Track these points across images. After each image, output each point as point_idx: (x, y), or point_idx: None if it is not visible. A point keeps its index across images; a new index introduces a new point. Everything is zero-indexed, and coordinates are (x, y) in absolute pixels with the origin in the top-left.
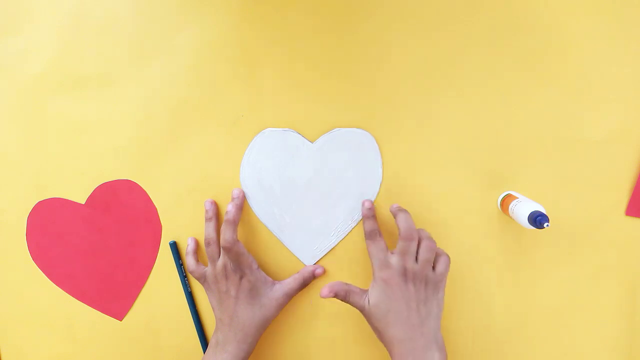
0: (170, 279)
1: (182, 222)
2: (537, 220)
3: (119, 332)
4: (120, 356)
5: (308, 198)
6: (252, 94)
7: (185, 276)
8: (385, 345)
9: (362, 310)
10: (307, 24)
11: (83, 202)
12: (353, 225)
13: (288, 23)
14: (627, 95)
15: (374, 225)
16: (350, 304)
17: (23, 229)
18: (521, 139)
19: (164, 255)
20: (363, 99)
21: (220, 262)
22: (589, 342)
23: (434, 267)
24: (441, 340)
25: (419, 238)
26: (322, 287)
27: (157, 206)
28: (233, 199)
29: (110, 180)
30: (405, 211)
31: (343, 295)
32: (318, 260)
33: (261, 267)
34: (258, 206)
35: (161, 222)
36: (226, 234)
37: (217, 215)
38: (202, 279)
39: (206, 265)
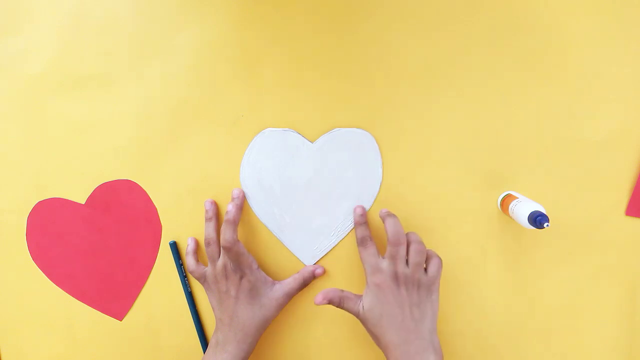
0: (170, 279)
1: (182, 222)
2: (537, 220)
3: (119, 332)
4: (120, 356)
5: (308, 198)
6: (252, 94)
7: (185, 276)
8: (382, 350)
9: (357, 315)
10: (307, 24)
11: (83, 202)
12: (353, 225)
13: (288, 23)
14: (627, 95)
15: (365, 231)
16: (345, 309)
17: (23, 229)
18: (521, 139)
19: (164, 255)
20: (363, 99)
21: (220, 262)
22: (589, 342)
23: (426, 270)
24: (437, 343)
25: (408, 242)
26: (316, 294)
27: (157, 206)
28: (233, 199)
29: (110, 180)
30: (393, 216)
31: (337, 301)
32: (318, 260)
33: (261, 267)
34: (258, 206)
35: (161, 222)
36: (226, 234)
37: (217, 215)
38: (202, 279)
39: (206, 265)
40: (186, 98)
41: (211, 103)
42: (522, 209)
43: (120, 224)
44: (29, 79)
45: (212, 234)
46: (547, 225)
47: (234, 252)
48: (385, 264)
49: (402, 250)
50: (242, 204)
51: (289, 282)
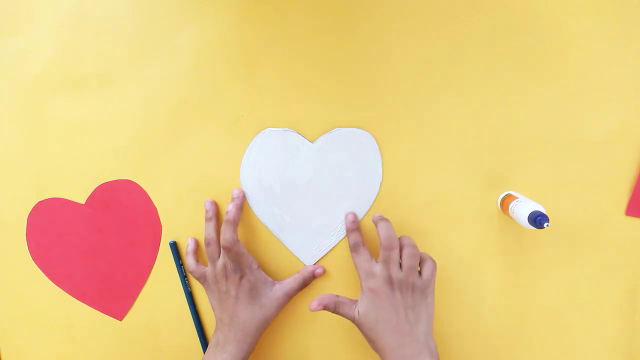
0: (170, 279)
1: (182, 222)
2: (537, 220)
3: (119, 332)
4: (120, 356)
5: (308, 198)
6: (252, 94)
7: (185, 276)
8: (378, 353)
9: (352, 320)
10: (307, 24)
11: (83, 202)
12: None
13: (288, 23)
14: (627, 95)
15: (357, 237)
16: (340, 315)
17: (23, 229)
18: (521, 139)
19: (164, 255)
20: (363, 99)
21: (220, 262)
22: (589, 342)
23: (420, 273)
24: (433, 346)
25: (401, 245)
26: (311, 300)
27: (157, 206)
28: (233, 199)
29: (110, 180)
30: (386, 220)
31: (333, 307)
32: (318, 260)
33: (261, 267)
34: (258, 206)
35: (161, 222)
36: (226, 234)
37: (217, 215)
38: (202, 279)
39: (206, 265)
40: (186, 98)
41: (211, 103)
42: (522, 209)
43: (120, 224)
44: (29, 79)
45: (212, 234)
46: (547, 225)
47: (234, 252)
48: (378, 268)
49: (395, 254)
50: (242, 204)
51: (289, 282)
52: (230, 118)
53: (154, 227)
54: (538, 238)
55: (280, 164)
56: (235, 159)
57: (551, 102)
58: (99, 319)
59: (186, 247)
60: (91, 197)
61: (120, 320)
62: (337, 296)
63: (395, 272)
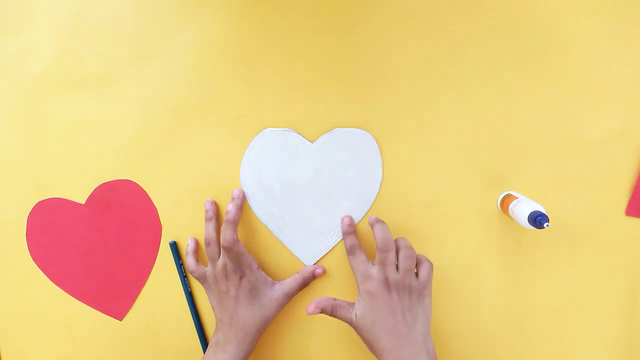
0: (170, 279)
1: (182, 222)
2: (537, 220)
3: (119, 332)
4: (120, 356)
5: (308, 198)
6: (252, 94)
7: (185, 276)
8: (376, 356)
9: (350, 323)
10: (307, 24)
11: (83, 202)
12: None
13: (288, 23)
14: (627, 95)
15: (354, 240)
16: (337, 318)
17: (23, 229)
18: (521, 139)
19: (164, 255)
20: (363, 99)
21: (220, 262)
22: (589, 342)
23: (417, 275)
24: (431, 347)
25: (397, 247)
26: (308, 303)
27: (157, 206)
28: (233, 199)
29: (110, 180)
30: (382, 222)
31: (330, 310)
32: (318, 260)
33: (261, 267)
34: (258, 206)
35: (161, 222)
36: (226, 234)
37: (217, 215)
38: (202, 279)
39: (206, 265)
40: (186, 98)
41: (211, 103)
42: (522, 209)
43: (120, 224)
44: (29, 79)
45: (212, 234)
46: (547, 225)
47: (234, 252)
48: (375, 270)
49: (391, 256)
50: (242, 204)
51: (289, 282)
52: (230, 118)
53: (154, 227)
54: (538, 238)
55: (280, 164)
56: (235, 159)
57: (551, 102)
58: (99, 319)
59: (186, 247)
60: (91, 197)
61: (120, 320)
62: (334, 299)
63: (392, 274)
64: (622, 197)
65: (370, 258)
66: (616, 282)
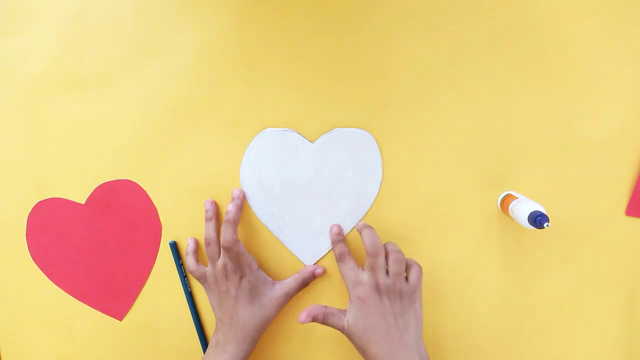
0: (170, 279)
1: (182, 222)
2: (537, 220)
3: (119, 332)
4: (120, 356)
5: (308, 198)
6: (252, 94)
7: (185, 276)
8: None
9: (342, 331)
10: (307, 24)
11: (83, 202)
12: (353, 225)
13: (288, 23)
14: (627, 95)
15: (343, 247)
16: (329, 326)
17: (23, 229)
18: (521, 139)
19: (164, 255)
20: (363, 99)
21: (220, 262)
22: (589, 342)
23: (407, 279)
24: (424, 350)
25: (386, 252)
26: (300, 312)
27: (157, 206)
28: (233, 199)
29: (110, 180)
30: (369, 227)
31: (322, 318)
32: (318, 260)
33: (261, 267)
34: (258, 206)
35: (161, 222)
36: (226, 234)
37: (217, 215)
38: (202, 279)
39: (206, 265)
40: (186, 98)
41: (211, 103)
42: (522, 209)
43: (120, 224)
44: (29, 79)
45: (212, 234)
46: (547, 225)
47: (234, 252)
48: (365, 276)
49: (381, 261)
50: (242, 204)
51: (289, 282)
52: (230, 118)
53: (154, 227)
54: (538, 238)
55: (280, 164)
56: (235, 159)
57: (551, 102)
58: (99, 319)
59: (186, 247)
60: (91, 197)
61: (120, 320)
62: (326, 307)
63: (382, 279)
64: (622, 197)
65: (360, 265)
66: (616, 282)
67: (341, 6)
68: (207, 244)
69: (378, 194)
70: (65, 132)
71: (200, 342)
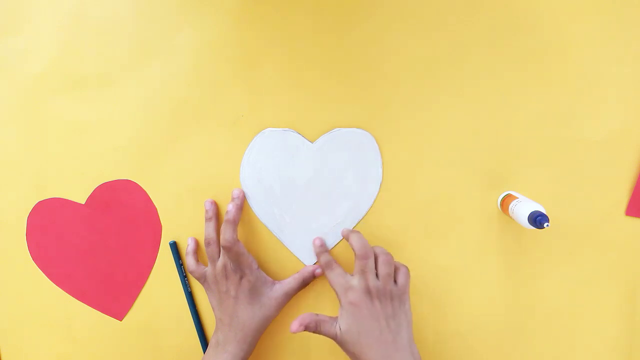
0: (170, 279)
1: (182, 222)
2: (537, 220)
3: (119, 332)
4: (120, 356)
5: (308, 198)
6: (252, 94)
7: (185, 276)
8: None
9: (334, 338)
10: (307, 24)
11: (83, 202)
12: (352, 225)
13: (288, 23)
14: (627, 95)
15: (328, 256)
16: (321, 334)
17: (23, 229)
18: (521, 139)
19: (164, 255)
20: (363, 99)
21: (220, 262)
22: (589, 342)
23: (395, 281)
24: (416, 351)
25: (375, 254)
26: (292, 321)
27: (157, 206)
28: (233, 199)
29: (110, 180)
30: (356, 232)
31: (313, 326)
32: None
33: (261, 267)
34: (258, 206)
35: (161, 222)
36: (226, 234)
37: (217, 215)
38: (202, 279)
39: (206, 265)
40: (186, 98)
41: (211, 103)
42: (522, 209)
43: (120, 224)
44: (29, 79)
45: (212, 234)
46: (547, 225)
47: (234, 252)
48: (355, 280)
49: (371, 263)
50: (242, 204)
51: (289, 282)
52: (230, 118)
53: (154, 227)
54: (538, 238)
55: (280, 164)
56: (235, 159)
57: (551, 102)
58: (99, 319)
59: (186, 247)
60: (91, 197)
61: (120, 320)
62: (317, 315)
63: (373, 282)
64: (622, 197)
65: (348, 271)
66: (616, 282)
67: (341, 6)
68: (207, 244)
69: (378, 194)
70: (65, 132)
71: (200, 342)
